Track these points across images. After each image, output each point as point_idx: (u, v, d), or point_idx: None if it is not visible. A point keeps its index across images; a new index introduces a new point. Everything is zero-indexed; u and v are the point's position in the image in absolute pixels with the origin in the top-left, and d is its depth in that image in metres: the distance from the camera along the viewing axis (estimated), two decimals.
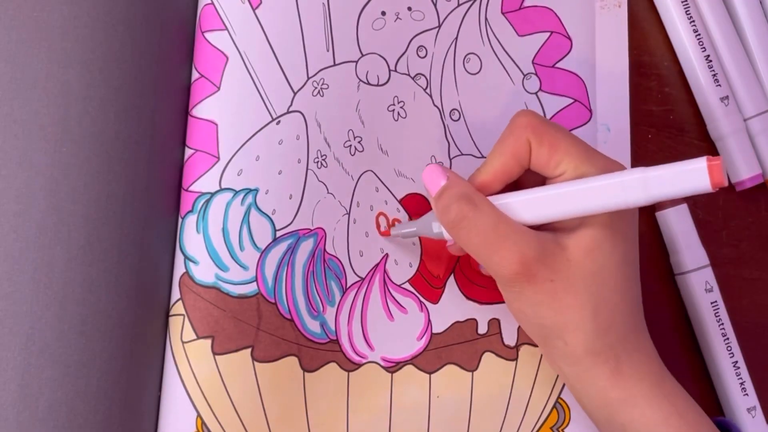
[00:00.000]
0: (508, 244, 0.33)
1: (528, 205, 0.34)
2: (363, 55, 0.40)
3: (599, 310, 0.33)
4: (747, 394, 0.42)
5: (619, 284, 0.34)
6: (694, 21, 0.44)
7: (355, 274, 0.40)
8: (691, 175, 0.30)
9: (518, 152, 0.35)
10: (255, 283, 0.38)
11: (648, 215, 0.44)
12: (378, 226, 0.40)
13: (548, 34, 0.43)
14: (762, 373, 0.43)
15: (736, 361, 0.43)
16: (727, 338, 0.43)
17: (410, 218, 0.41)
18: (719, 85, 0.43)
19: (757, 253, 0.45)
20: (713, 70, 0.43)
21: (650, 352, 0.35)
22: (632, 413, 0.34)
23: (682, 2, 0.44)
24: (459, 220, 0.34)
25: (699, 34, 0.43)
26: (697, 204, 0.45)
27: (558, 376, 0.40)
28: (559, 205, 0.33)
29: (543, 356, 0.38)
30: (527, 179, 0.36)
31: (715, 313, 0.43)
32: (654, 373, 0.35)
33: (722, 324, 0.43)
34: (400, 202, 0.41)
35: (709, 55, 0.43)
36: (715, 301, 0.43)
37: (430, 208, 0.37)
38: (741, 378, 0.42)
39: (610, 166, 0.34)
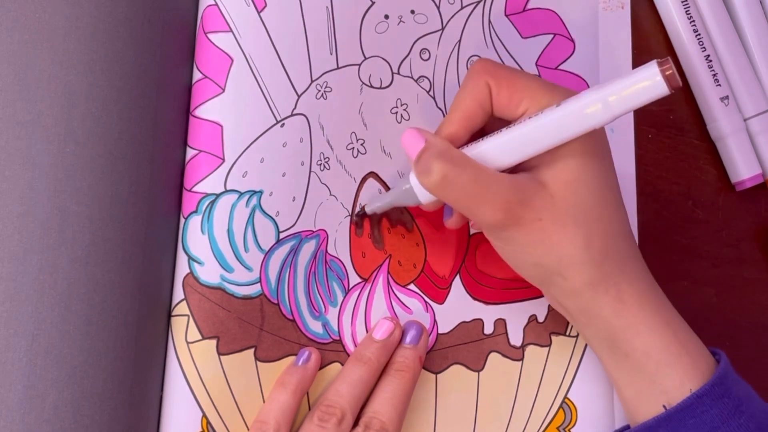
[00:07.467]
0: (490, 194, 0.33)
1: (498, 149, 0.34)
2: (366, 59, 0.40)
3: (591, 240, 0.34)
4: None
5: (604, 212, 0.34)
6: (694, 21, 0.44)
7: (358, 275, 0.40)
8: (647, 85, 0.31)
9: (479, 97, 0.35)
10: (259, 284, 0.37)
11: None
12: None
13: (552, 36, 0.43)
14: (763, 374, 0.44)
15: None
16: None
17: (412, 219, 0.41)
18: (719, 85, 0.44)
19: (757, 253, 0.45)
20: (713, 70, 0.44)
21: (649, 280, 0.36)
22: (635, 341, 0.34)
23: (682, 2, 0.44)
24: (440, 180, 0.34)
25: (699, 34, 0.44)
26: (696, 204, 0.45)
27: (563, 377, 0.41)
28: (527, 143, 0.33)
29: (546, 297, 0.38)
30: (493, 128, 0.36)
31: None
32: (655, 301, 0.35)
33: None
34: None
35: (709, 55, 0.44)
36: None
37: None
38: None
39: (571, 95, 0.34)
